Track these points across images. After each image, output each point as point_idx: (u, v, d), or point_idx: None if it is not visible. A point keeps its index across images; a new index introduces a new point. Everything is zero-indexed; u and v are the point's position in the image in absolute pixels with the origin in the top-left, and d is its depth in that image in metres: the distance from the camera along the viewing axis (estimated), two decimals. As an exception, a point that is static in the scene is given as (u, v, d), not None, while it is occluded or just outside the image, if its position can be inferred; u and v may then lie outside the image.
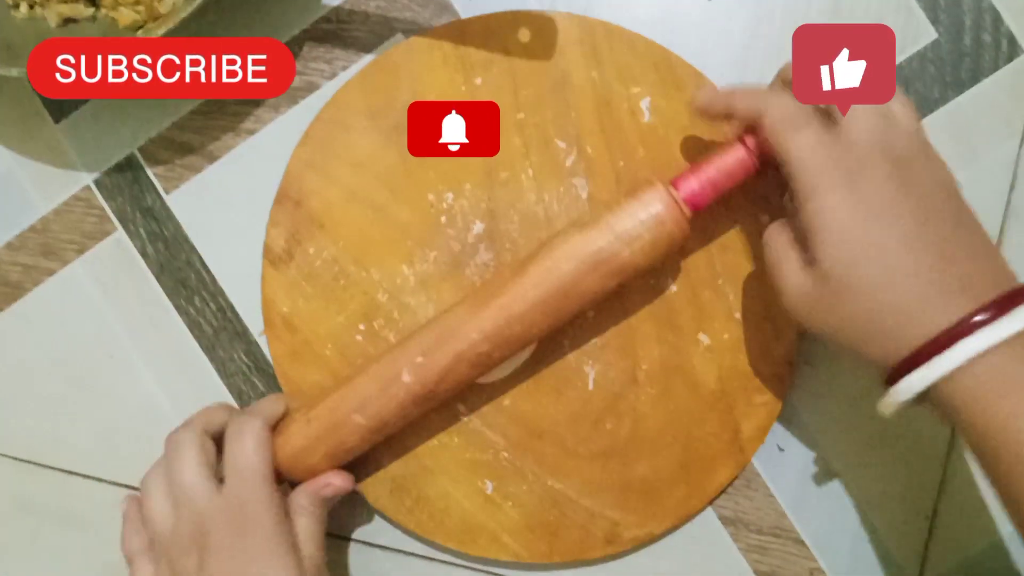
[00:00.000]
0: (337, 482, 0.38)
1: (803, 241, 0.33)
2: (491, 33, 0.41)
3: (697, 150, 0.40)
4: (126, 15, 0.39)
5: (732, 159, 0.36)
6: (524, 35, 0.41)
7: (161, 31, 0.36)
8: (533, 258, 0.36)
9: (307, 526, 0.37)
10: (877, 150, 0.32)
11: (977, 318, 0.30)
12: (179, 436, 0.37)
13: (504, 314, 0.36)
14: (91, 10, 0.40)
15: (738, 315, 0.40)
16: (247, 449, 0.36)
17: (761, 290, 0.40)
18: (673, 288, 0.40)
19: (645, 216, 0.35)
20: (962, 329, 0.30)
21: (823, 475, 0.41)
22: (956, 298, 0.31)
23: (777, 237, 0.35)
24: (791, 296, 0.34)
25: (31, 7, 0.40)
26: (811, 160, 0.32)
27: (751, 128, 0.35)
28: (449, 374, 0.37)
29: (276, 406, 0.39)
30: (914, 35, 0.41)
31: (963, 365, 0.30)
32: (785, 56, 0.41)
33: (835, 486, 0.41)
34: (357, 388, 0.37)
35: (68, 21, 0.41)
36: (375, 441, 0.38)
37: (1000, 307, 0.30)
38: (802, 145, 0.33)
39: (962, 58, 0.41)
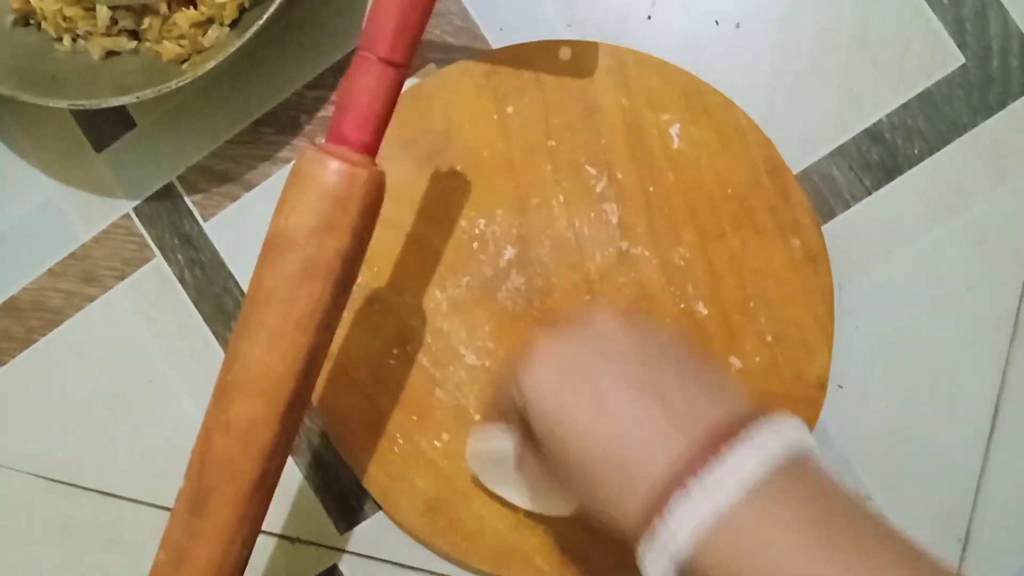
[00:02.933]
0: None
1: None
2: (523, 63, 0.41)
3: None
4: (169, 49, 0.40)
5: (368, 80, 0.31)
6: (565, 54, 0.41)
7: (208, 66, 0.37)
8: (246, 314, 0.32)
9: None
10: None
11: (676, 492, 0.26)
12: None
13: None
14: (134, 43, 0.41)
15: (770, 338, 0.40)
16: None
17: (792, 313, 0.40)
18: (704, 311, 0.41)
19: (319, 191, 0.31)
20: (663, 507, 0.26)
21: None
22: (666, 440, 0.28)
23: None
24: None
25: (74, 40, 0.42)
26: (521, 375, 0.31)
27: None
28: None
29: None
30: (942, 60, 0.41)
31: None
32: (810, 84, 0.42)
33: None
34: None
35: (111, 54, 0.42)
36: None
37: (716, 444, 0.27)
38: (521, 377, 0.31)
39: (990, 82, 0.41)
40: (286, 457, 0.34)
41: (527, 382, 0.31)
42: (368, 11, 0.32)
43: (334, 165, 0.31)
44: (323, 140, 0.33)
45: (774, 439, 0.27)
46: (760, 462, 0.26)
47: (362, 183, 0.31)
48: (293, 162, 0.33)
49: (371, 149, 0.32)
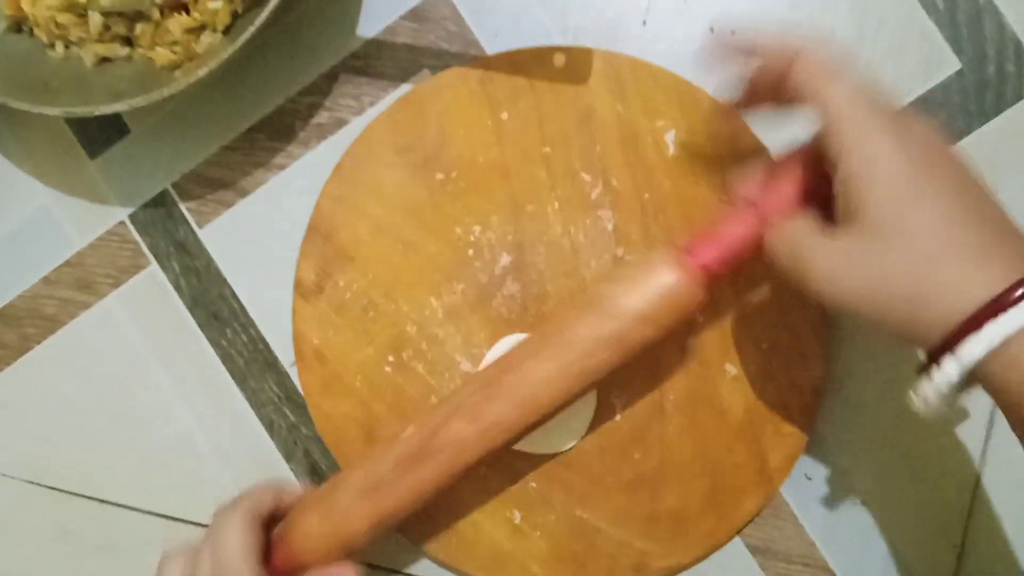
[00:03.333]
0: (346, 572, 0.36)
1: (827, 209, 0.32)
2: (517, 69, 0.41)
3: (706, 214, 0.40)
4: (162, 55, 0.40)
5: (743, 225, 0.35)
6: (559, 60, 0.41)
7: (201, 72, 0.37)
8: (546, 342, 0.35)
9: None
10: (917, 115, 0.31)
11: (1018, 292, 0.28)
12: (224, 517, 0.36)
13: (512, 401, 0.35)
14: (127, 50, 0.41)
15: (765, 345, 0.40)
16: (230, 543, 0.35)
17: (788, 320, 0.40)
18: (700, 319, 0.41)
19: (660, 289, 0.34)
20: (1007, 301, 0.28)
21: (851, 504, 0.41)
22: (997, 271, 0.29)
23: (788, 229, 0.33)
24: (822, 268, 0.31)
25: (67, 47, 0.41)
26: (857, 106, 0.31)
27: (760, 197, 0.35)
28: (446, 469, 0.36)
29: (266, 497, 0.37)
30: (938, 65, 0.41)
31: (1013, 336, 0.28)
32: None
33: (863, 515, 0.41)
34: (369, 470, 0.36)
35: (104, 61, 0.41)
36: (387, 527, 0.37)
37: None
38: (845, 91, 0.31)
39: (986, 88, 0.41)
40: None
41: (869, 126, 0.31)
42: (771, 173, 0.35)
43: (687, 281, 0.34)
44: (685, 246, 0.35)
45: None
46: None
47: (696, 304, 0.35)
48: (655, 258, 0.35)
49: (713, 279, 0.35)
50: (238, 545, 0.34)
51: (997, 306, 0.28)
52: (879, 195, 0.30)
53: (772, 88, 0.34)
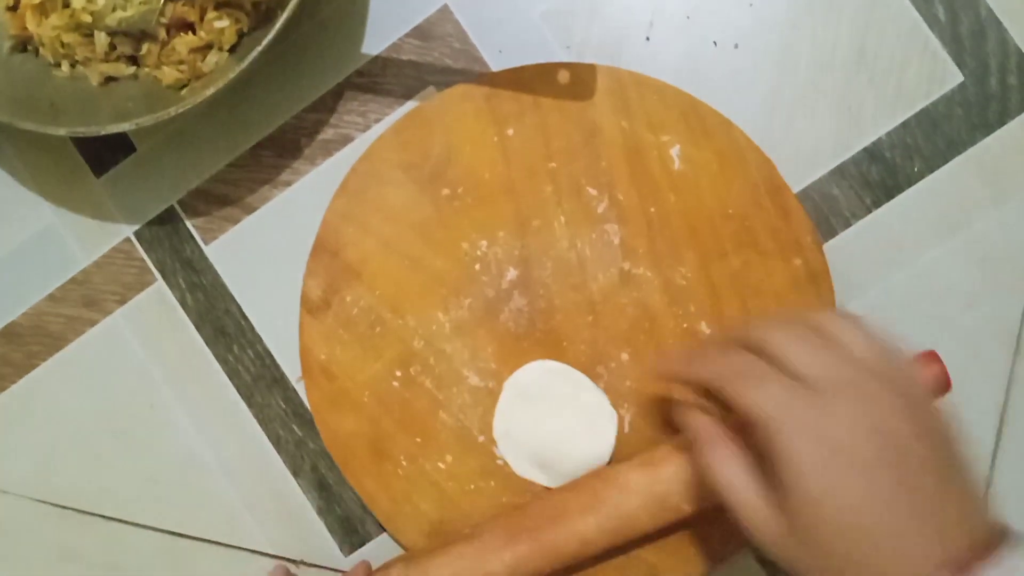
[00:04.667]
0: None
1: (763, 468, 0.32)
2: (522, 85, 0.42)
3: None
4: (168, 74, 0.40)
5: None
6: (564, 77, 0.41)
7: (207, 91, 0.37)
8: (602, 498, 0.37)
9: None
10: (851, 402, 0.31)
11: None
12: None
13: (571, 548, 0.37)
14: (133, 69, 0.41)
15: (772, 358, 0.40)
16: None
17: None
18: (706, 331, 0.41)
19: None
20: None
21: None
22: (927, 549, 0.30)
23: (728, 462, 0.33)
24: (761, 530, 0.32)
25: (73, 66, 0.42)
26: (776, 412, 0.31)
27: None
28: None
29: None
30: (940, 78, 0.41)
31: None
32: (809, 104, 0.42)
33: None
34: (459, 552, 0.38)
35: (110, 80, 0.42)
36: None
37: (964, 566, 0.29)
38: (767, 397, 0.32)
39: (989, 100, 0.41)
40: None
41: (790, 423, 0.31)
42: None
43: None
44: None
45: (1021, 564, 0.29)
46: None
47: None
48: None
49: None
50: None
51: None
52: (799, 488, 0.31)
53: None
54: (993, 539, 0.30)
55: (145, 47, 0.41)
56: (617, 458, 0.40)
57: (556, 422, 0.41)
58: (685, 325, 0.41)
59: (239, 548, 0.43)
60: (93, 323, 0.44)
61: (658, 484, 0.37)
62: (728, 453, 0.34)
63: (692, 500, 0.37)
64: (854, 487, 0.30)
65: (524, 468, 0.41)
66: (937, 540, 0.30)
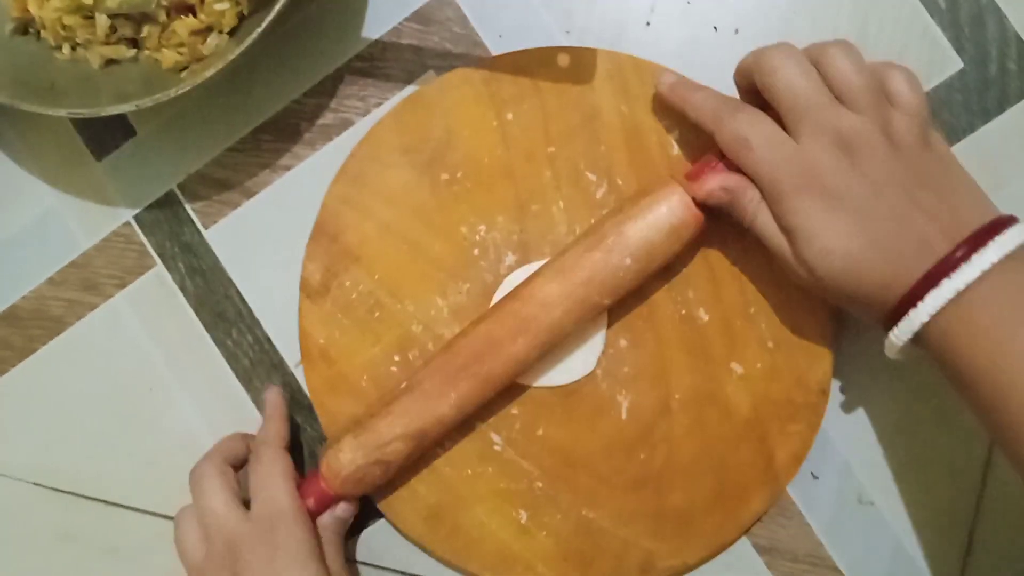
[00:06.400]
0: (350, 506, 0.40)
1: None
2: (521, 69, 0.42)
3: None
4: (168, 57, 0.40)
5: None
6: (563, 61, 0.41)
7: (207, 73, 0.37)
8: (551, 277, 0.38)
9: (331, 545, 0.39)
10: (827, 140, 0.35)
11: (958, 254, 0.33)
12: (201, 468, 0.40)
13: (535, 335, 0.38)
14: (133, 51, 0.41)
15: (771, 344, 0.40)
16: (272, 474, 0.38)
17: (794, 318, 0.40)
18: (705, 317, 0.41)
19: (663, 223, 0.37)
20: (941, 269, 0.33)
21: (858, 503, 0.41)
22: (933, 246, 0.33)
23: (769, 226, 0.36)
24: (797, 276, 0.36)
25: (73, 48, 0.42)
26: (769, 174, 0.35)
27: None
28: (488, 391, 0.39)
29: (284, 429, 0.41)
30: (940, 64, 0.41)
31: (946, 306, 0.32)
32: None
33: (870, 513, 0.41)
34: (401, 411, 0.39)
35: (110, 62, 0.42)
36: (419, 453, 0.40)
37: (973, 244, 0.33)
38: (758, 160, 0.35)
39: (988, 86, 0.41)
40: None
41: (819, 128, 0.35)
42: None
43: (688, 206, 0.38)
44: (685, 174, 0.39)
45: (1015, 237, 0.33)
46: (998, 255, 0.32)
47: (697, 227, 0.38)
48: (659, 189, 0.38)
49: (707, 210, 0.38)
50: (218, 487, 0.38)
51: (923, 285, 0.33)
52: (807, 250, 0.35)
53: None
54: (1002, 221, 0.33)
55: (145, 29, 0.41)
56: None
57: None
58: (683, 311, 0.41)
59: (237, 532, 0.43)
60: (93, 307, 0.44)
61: (577, 289, 0.38)
62: (767, 218, 0.36)
63: (610, 294, 0.38)
64: (860, 184, 0.34)
65: None
66: (952, 224, 0.33)
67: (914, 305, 0.33)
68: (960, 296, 0.32)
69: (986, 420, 0.33)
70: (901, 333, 0.34)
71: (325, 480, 0.39)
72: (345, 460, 0.38)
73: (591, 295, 0.38)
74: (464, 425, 0.41)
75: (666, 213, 0.37)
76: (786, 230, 0.35)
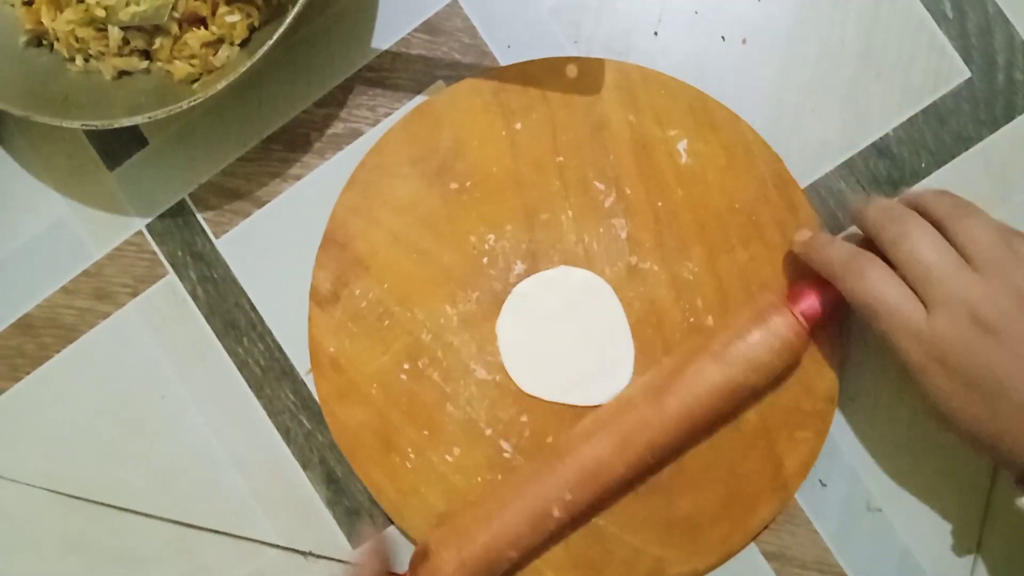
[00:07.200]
0: None
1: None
2: (530, 79, 0.42)
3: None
4: (180, 68, 0.41)
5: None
6: (572, 71, 0.42)
7: (219, 85, 0.37)
8: (671, 390, 0.38)
9: None
10: (962, 316, 0.34)
11: None
12: None
13: (647, 447, 0.38)
14: (145, 63, 0.42)
15: (778, 352, 0.40)
16: None
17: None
18: (713, 326, 0.41)
19: (776, 343, 0.37)
20: None
21: (866, 509, 0.41)
22: None
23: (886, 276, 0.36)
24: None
25: (86, 60, 0.42)
26: (895, 345, 0.35)
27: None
28: (597, 504, 0.39)
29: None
30: (947, 74, 0.41)
31: None
32: (816, 99, 0.42)
33: (878, 520, 0.41)
34: (508, 527, 0.38)
35: (123, 74, 0.42)
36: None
37: None
38: (885, 331, 0.35)
39: (996, 96, 0.41)
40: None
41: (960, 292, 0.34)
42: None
43: (794, 328, 0.38)
44: (788, 295, 0.39)
45: None
46: None
47: (802, 349, 0.39)
48: (765, 306, 0.38)
49: (813, 328, 0.39)
50: None
51: None
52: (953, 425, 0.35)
53: None
54: None
55: (158, 41, 0.41)
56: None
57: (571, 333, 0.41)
58: (692, 319, 0.41)
59: (248, 539, 0.44)
60: (105, 315, 0.45)
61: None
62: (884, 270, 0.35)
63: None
64: (980, 415, 0.34)
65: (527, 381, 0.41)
66: None
67: None
68: None
69: None
70: None
71: None
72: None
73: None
74: (473, 432, 0.41)
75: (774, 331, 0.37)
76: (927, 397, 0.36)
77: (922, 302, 0.34)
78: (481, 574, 0.38)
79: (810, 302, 0.38)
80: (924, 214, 0.36)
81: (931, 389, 0.35)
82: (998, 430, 0.34)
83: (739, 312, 0.39)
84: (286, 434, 0.44)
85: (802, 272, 0.39)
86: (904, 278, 0.35)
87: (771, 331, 0.37)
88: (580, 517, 0.39)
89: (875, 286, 0.35)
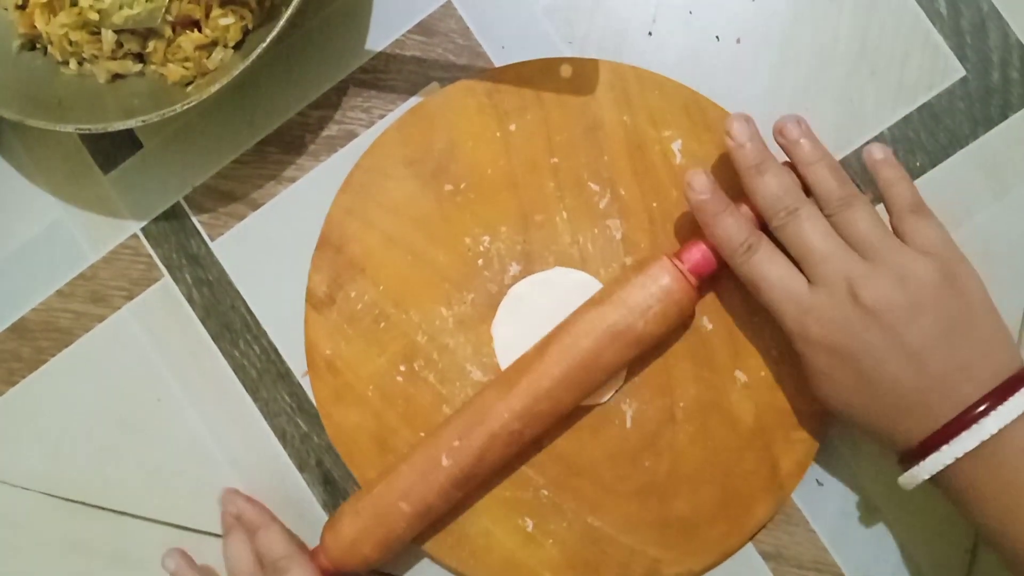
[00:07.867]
0: None
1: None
2: (524, 80, 0.42)
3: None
4: (174, 71, 0.41)
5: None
6: (566, 71, 0.42)
7: (213, 88, 0.37)
8: (554, 337, 0.38)
9: None
10: (842, 294, 0.35)
11: (978, 409, 0.33)
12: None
13: (531, 393, 0.38)
14: (139, 66, 0.42)
15: (775, 352, 0.40)
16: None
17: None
18: (709, 326, 0.41)
19: (655, 288, 0.37)
20: (963, 421, 0.33)
21: (863, 509, 0.41)
22: (957, 391, 0.34)
23: (787, 290, 0.37)
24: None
25: (80, 63, 0.42)
26: (778, 316, 0.37)
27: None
28: (486, 454, 0.38)
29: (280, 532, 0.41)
30: (942, 72, 0.41)
31: (967, 454, 0.33)
32: (811, 98, 0.42)
33: (875, 520, 0.41)
34: (400, 477, 0.39)
35: (116, 77, 0.42)
36: (422, 526, 0.40)
37: (999, 396, 0.33)
38: (767, 301, 0.37)
39: (991, 94, 0.41)
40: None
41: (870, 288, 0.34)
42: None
43: (680, 282, 0.38)
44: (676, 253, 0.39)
45: None
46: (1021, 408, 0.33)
47: (689, 302, 0.39)
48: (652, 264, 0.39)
49: (702, 283, 0.39)
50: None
51: (960, 424, 0.33)
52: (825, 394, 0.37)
53: None
54: (1017, 378, 0.34)
55: (151, 44, 0.41)
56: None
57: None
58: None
59: (245, 541, 0.44)
60: (101, 319, 0.45)
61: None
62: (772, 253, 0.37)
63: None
64: (895, 347, 0.34)
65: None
66: (987, 368, 0.34)
67: (924, 457, 0.34)
68: (980, 448, 0.33)
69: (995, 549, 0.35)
70: (918, 474, 0.35)
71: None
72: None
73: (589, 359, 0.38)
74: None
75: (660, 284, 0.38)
76: (805, 368, 0.37)
77: (807, 279, 0.36)
78: (375, 526, 0.39)
79: (691, 253, 0.38)
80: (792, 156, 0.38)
81: (810, 361, 0.36)
82: (875, 409, 0.35)
83: None
84: (282, 436, 0.44)
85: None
86: (789, 257, 0.36)
87: (648, 276, 0.38)
88: (475, 473, 0.39)
89: (761, 265, 0.36)
